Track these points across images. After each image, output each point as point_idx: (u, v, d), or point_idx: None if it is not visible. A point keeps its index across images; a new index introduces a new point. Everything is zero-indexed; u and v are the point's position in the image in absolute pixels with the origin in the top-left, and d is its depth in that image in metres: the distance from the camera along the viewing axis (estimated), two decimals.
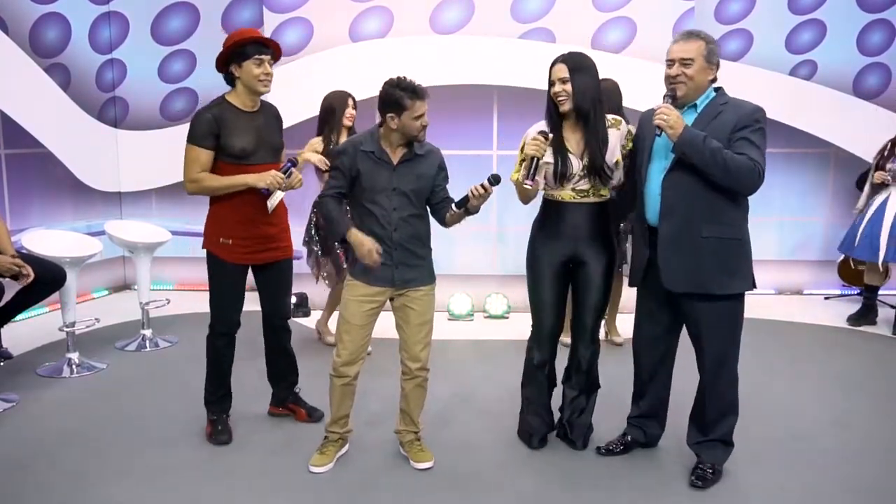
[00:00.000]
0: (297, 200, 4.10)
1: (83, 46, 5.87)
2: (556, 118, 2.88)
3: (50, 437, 3.25)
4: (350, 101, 4.28)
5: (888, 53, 5.89)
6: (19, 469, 2.95)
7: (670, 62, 2.69)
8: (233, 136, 2.98)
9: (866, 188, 5.17)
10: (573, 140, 2.88)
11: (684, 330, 2.88)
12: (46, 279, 3.77)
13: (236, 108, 3.03)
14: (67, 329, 4.10)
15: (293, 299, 4.98)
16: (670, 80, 2.69)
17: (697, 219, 2.65)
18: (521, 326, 3.12)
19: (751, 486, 2.80)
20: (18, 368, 4.15)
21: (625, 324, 3.32)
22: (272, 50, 3.03)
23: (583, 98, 2.80)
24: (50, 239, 4.25)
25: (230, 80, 3.05)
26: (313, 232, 4.39)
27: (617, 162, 2.90)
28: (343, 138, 4.38)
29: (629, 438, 3.07)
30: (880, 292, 5.23)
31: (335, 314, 4.37)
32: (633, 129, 2.98)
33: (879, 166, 5.05)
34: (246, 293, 3.27)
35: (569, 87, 2.80)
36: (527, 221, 3.14)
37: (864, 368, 4.23)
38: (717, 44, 2.71)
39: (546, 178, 2.89)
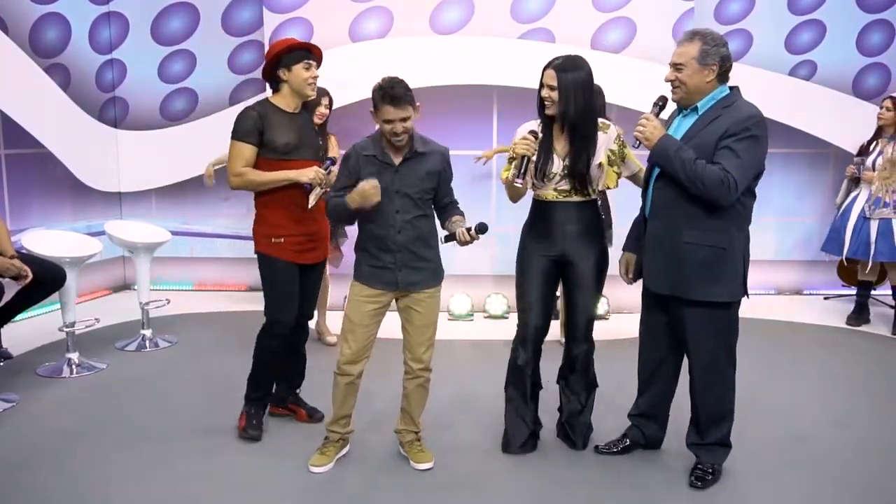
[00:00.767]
0: None
1: (83, 46, 5.87)
2: (546, 117, 2.90)
3: (50, 437, 3.25)
4: (324, 101, 4.33)
5: (888, 54, 5.90)
6: (19, 469, 2.95)
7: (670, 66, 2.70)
8: (276, 133, 3.08)
9: (844, 184, 5.25)
10: (560, 141, 2.91)
11: None
12: (46, 279, 3.78)
13: (279, 108, 3.13)
14: (67, 329, 4.10)
15: None
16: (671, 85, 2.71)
17: (680, 223, 2.65)
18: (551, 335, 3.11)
19: (750, 486, 2.80)
20: (18, 368, 4.15)
21: (632, 323, 3.31)
22: (317, 56, 3.16)
23: (568, 105, 2.80)
24: (50, 239, 4.25)
25: (276, 84, 3.16)
26: None
27: (600, 164, 2.90)
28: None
29: (628, 440, 3.07)
30: (880, 293, 5.24)
31: (333, 314, 4.39)
32: (622, 134, 2.99)
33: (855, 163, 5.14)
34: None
35: (555, 94, 2.81)
36: None
37: (864, 368, 4.23)
38: (720, 43, 2.62)
39: (531, 176, 2.91)
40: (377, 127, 2.77)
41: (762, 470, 2.93)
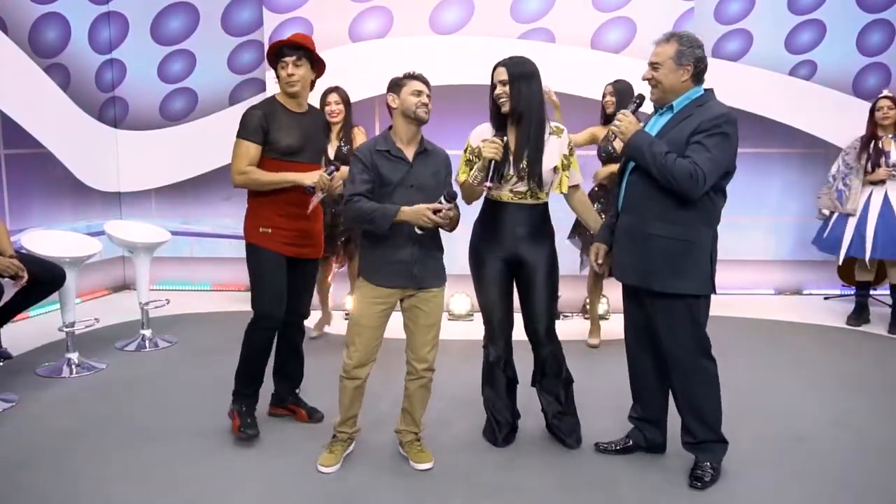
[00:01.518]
0: None
1: (83, 46, 5.87)
2: (499, 120, 2.95)
3: (50, 437, 3.25)
4: (330, 98, 4.34)
5: (888, 53, 5.89)
6: (19, 469, 2.95)
7: None
8: (280, 133, 3.09)
9: (854, 185, 5.17)
10: (512, 142, 2.95)
11: None
12: (46, 279, 3.77)
13: (284, 108, 3.15)
14: (67, 329, 4.10)
15: None
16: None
17: (649, 216, 2.72)
18: (520, 327, 3.12)
19: (750, 486, 2.80)
20: (18, 368, 4.15)
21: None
22: (297, 51, 3.10)
23: (520, 101, 2.87)
24: (49, 239, 4.25)
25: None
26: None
27: (556, 168, 2.97)
28: (333, 137, 4.43)
29: (630, 441, 3.07)
30: (877, 291, 5.24)
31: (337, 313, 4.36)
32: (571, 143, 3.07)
33: (875, 165, 5.00)
34: (247, 293, 3.27)
35: (508, 89, 2.87)
36: None
37: (864, 368, 4.23)
38: (696, 44, 2.70)
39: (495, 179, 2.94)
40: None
41: (762, 470, 2.93)
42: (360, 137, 4.42)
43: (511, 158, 2.92)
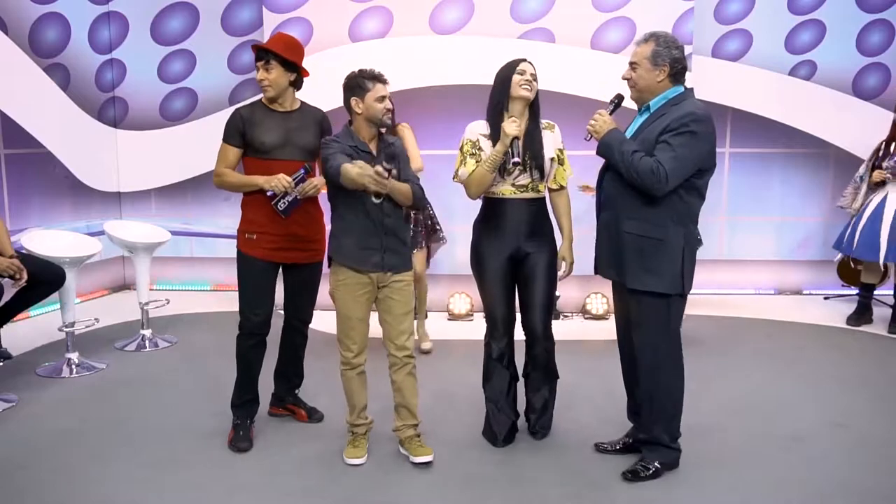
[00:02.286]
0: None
1: (83, 46, 5.87)
2: (498, 115, 3.00)
3: (50, 437, 3.25)
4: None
5: (888, 53, 5.89)
6: (19, 469, 2.95)
7: None
8: (258, 131, 3.09)
9: (863, 188, 5.17)
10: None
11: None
12: (46, 279, 3.78)
13: (268, 108, 3.15)
14: (67, 329, 4.10)
15: None
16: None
17: (623, 214, 2.76)
18: (520, 326, 3.13)
19: (750, 486, 2.80)
20: (18, 368, 4.15)
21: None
22: (266, 55, 3.07)
23: (537, 94, 3.02)
24: (49, 239, 4.25)
25: None
26: None
27: (552, 160, 3.06)
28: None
29: (630, 440, 3.07)
30: (877, 292, 5.24)
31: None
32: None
33: (876, 166, 5.04)
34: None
35: (535, 83, 3.00)
36: None
37: (863, 368, 4.23)
38: (673, 45, 2.72)
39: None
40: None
41: (761, 469, 2.93)
42: (406, 137, 4.21)
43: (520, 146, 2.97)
